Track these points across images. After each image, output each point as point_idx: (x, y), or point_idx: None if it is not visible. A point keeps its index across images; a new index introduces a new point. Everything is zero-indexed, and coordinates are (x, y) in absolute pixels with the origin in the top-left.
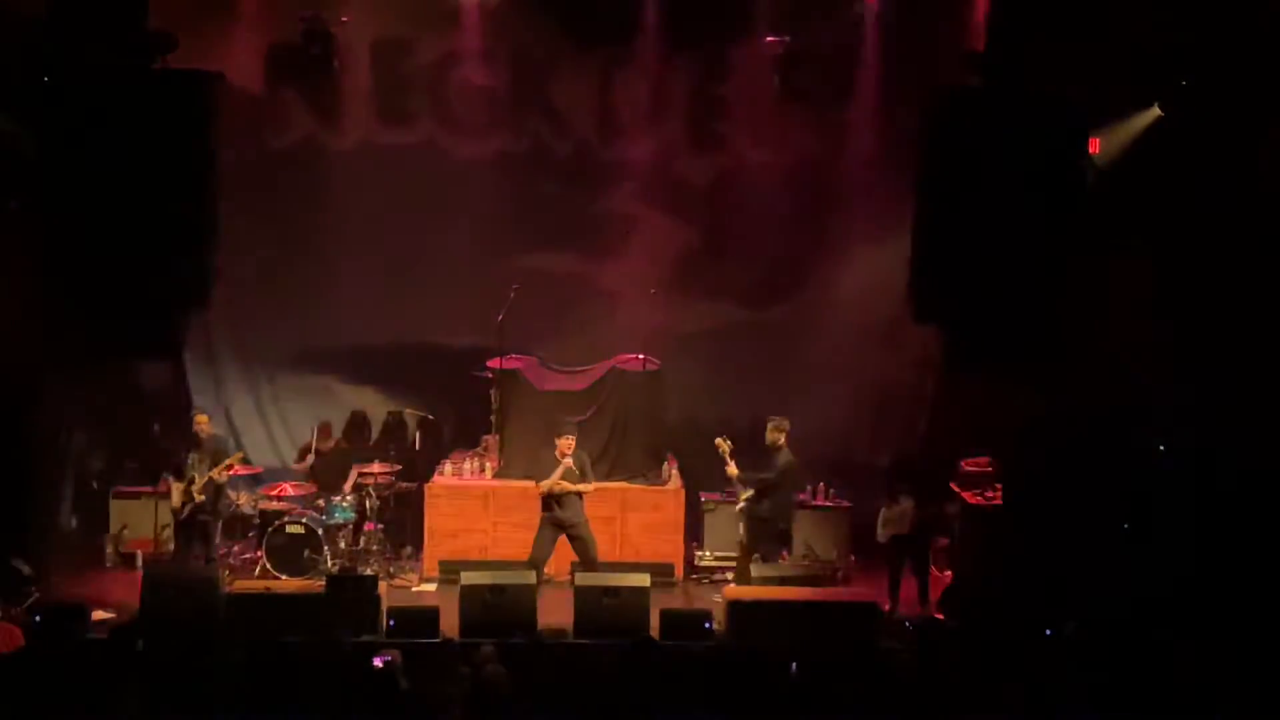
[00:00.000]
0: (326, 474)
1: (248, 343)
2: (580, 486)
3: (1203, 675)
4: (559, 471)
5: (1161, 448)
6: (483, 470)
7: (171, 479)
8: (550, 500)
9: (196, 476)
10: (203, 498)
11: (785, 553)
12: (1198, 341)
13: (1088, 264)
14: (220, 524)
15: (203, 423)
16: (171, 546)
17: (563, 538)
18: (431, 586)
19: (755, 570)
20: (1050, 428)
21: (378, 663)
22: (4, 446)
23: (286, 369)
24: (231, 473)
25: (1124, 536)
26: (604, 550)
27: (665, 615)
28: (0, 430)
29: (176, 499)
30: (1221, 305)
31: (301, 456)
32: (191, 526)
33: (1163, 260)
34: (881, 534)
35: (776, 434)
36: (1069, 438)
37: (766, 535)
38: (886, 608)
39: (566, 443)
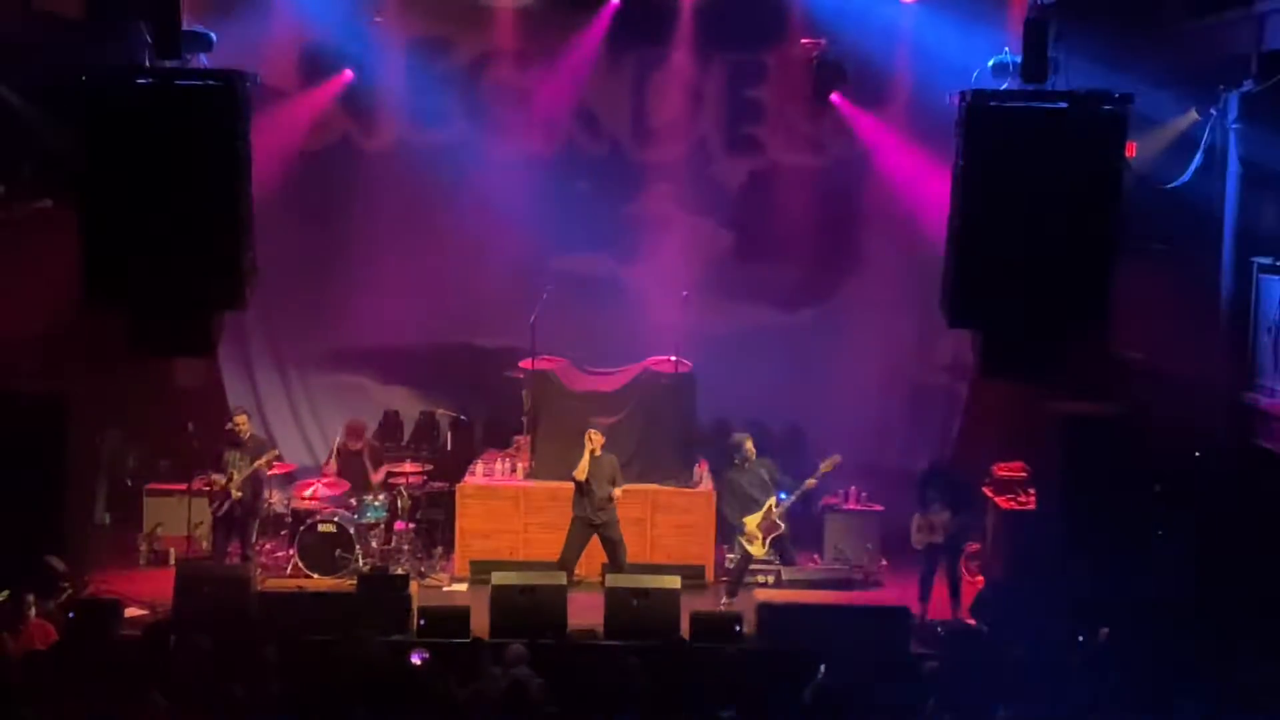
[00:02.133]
0: (358, 473)
1: (282, 342)
2: (611, 490)
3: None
4: (586, 457)
5: (1198, 453)
6: (514, 471)
7: (214, 475)
8: (581, 498)
9: (236, 474)
10: (241, 494)
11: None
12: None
13: (1124, 267)
14: (258, 522)
15: (241, 422)
16: (206, 544)
17: (594, 538)
18: (462, 586)
19: (786, 574)
20: (1084, 432)
21: (415, 660)
22: (40, 444)
23: (320, 368)
24: (274, 469)
25: (1158, 541)
26: (634, 552)
27: (695, 617)
28: (36, 428)
29: (218, 493)
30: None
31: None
32: (230, 523)
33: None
34: (916, 540)
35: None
36: (1103, 442)
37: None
38: (917, 612)
39: (597, 435)
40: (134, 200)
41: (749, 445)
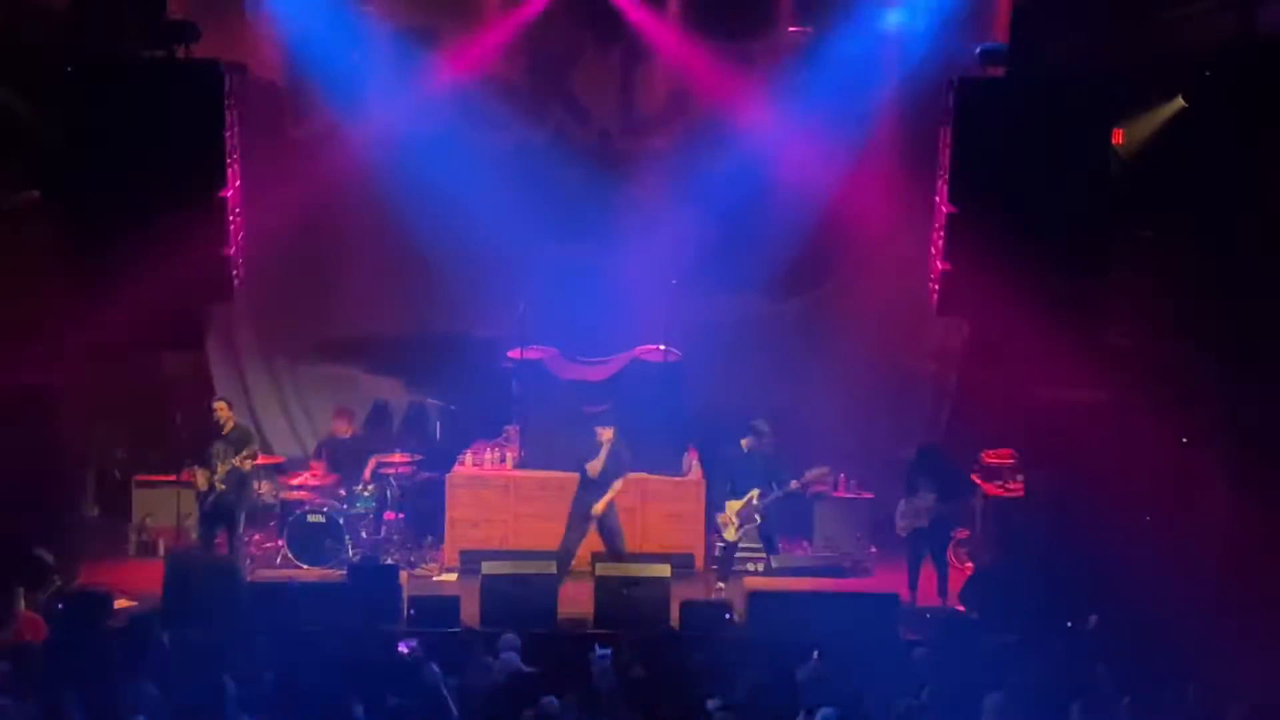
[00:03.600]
0: (347, 463)
1: (269, 332)
2: (614, 487)
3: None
4: (603, 453)
5: (1185, 440)
6: (503, 460)
7: (196, 468)
8: (584, 492)
9: (219, 465)
10: (225, 486)
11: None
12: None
13: (1112, 253)
14: (244, 513)
15: (222, 409)
16: (194, 535)
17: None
18: (452, 576)
19: (775, 562)
20: (1072, 419)
21: (403, 649)
22: (28, 436)
23: (308, 359)
24: (255, 462)
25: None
26: (625, 541)
27: (686, 606)
28: (24, 419)
29: (202, 485)
30: (1246, 292)
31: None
32: (216, 515)
33: (1188, 248)
34: (900, 527)
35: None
36: (1091, 429)
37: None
38: (906, 599)
39: (606, 430)
40: (120, 192)
41: (759, 433)
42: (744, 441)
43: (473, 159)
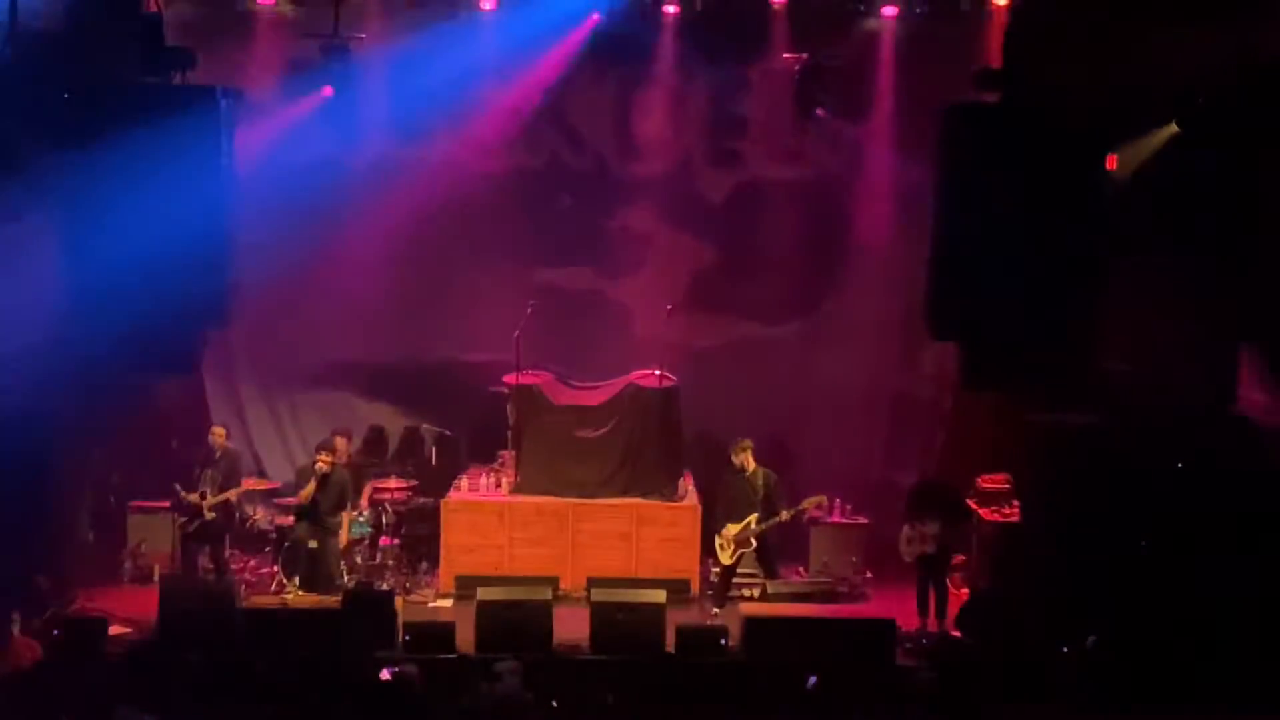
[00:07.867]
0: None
1: (266, 358)
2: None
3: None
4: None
5: (1180, 465)
6: (499, 486)
7: (182, 491)
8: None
9: (209, 491)
10: (213, 515)
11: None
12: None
13: (1106, 279)
14: (228, 536)
15: (218, 435)
16: (172, 554)
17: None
18: (448, 602)
19: (771, 588)
20: (1068, 444)
21: (386, 675)
22: (24, 461)
23: (304, 385)
24: (242, 488)
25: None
26: (619, 566)
27: (681, 631)
28: (20, 445)
29: (195, 502)
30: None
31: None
32: (201, 539)
33: (1182, 273)
34: (906, 552)
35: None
36: (1086, 454)
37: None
38: (916, 624)
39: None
40: (117, 217)
41: (745, 454)
42: (745, 463)
43: (468, 184)
